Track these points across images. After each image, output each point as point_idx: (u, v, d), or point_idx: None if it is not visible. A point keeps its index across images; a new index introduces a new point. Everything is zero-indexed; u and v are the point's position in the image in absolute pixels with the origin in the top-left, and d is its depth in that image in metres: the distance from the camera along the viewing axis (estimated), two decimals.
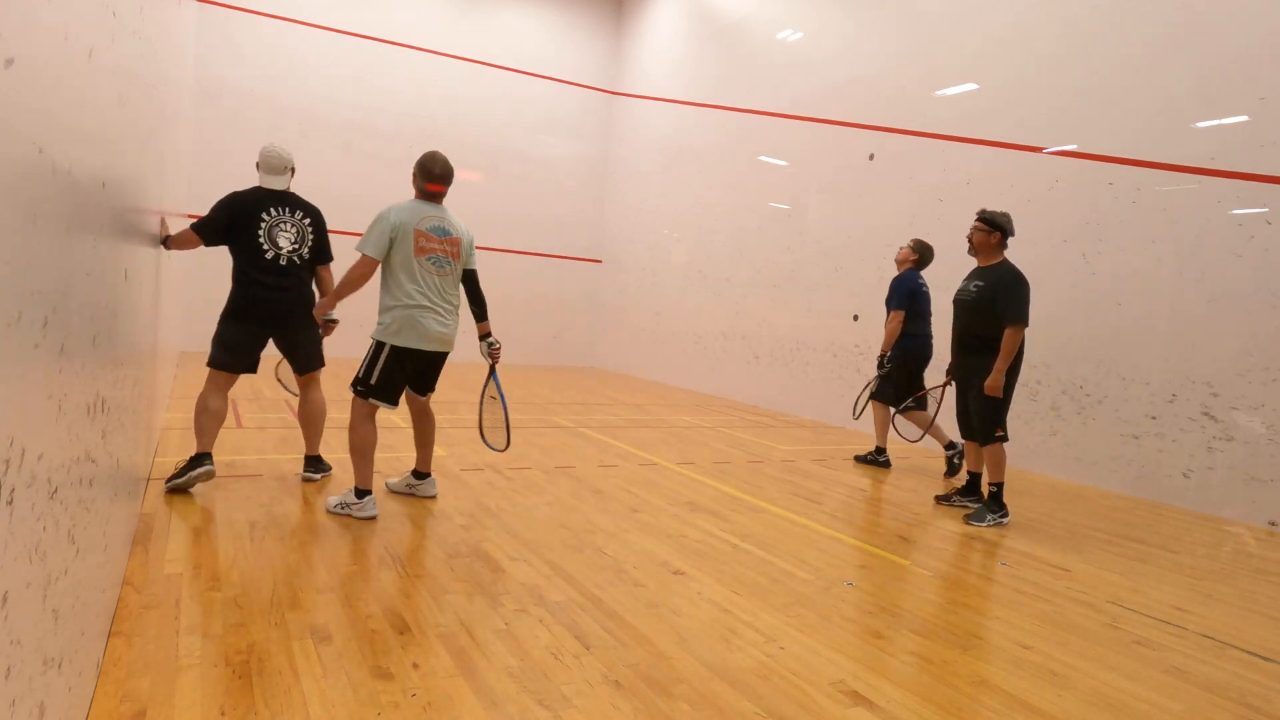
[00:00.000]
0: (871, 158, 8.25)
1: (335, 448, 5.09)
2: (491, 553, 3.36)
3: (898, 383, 6.08)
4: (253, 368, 4.17)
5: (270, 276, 4.08)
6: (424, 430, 4.13)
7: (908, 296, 6.05)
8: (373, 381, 3.74)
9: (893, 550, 3.89)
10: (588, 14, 13.52)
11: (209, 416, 4.00)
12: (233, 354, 4.14)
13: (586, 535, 3.73)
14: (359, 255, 3.68)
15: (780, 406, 9.39)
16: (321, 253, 4.31)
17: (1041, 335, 6.42)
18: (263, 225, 4.07)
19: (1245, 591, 3.66)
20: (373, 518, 3.70)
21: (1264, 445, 5.03)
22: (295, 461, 4.76)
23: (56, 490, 1.37)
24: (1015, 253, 6.68)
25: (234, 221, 4.03)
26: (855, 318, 8.32)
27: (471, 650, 2.40)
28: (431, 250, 3.76)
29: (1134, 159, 5.86)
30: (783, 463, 6.15)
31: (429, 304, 3.75)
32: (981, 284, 4.66)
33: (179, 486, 3.87)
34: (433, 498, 4.15)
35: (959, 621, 3.00)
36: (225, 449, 4.92)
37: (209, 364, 4.14)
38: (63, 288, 1.37)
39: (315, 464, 4.43)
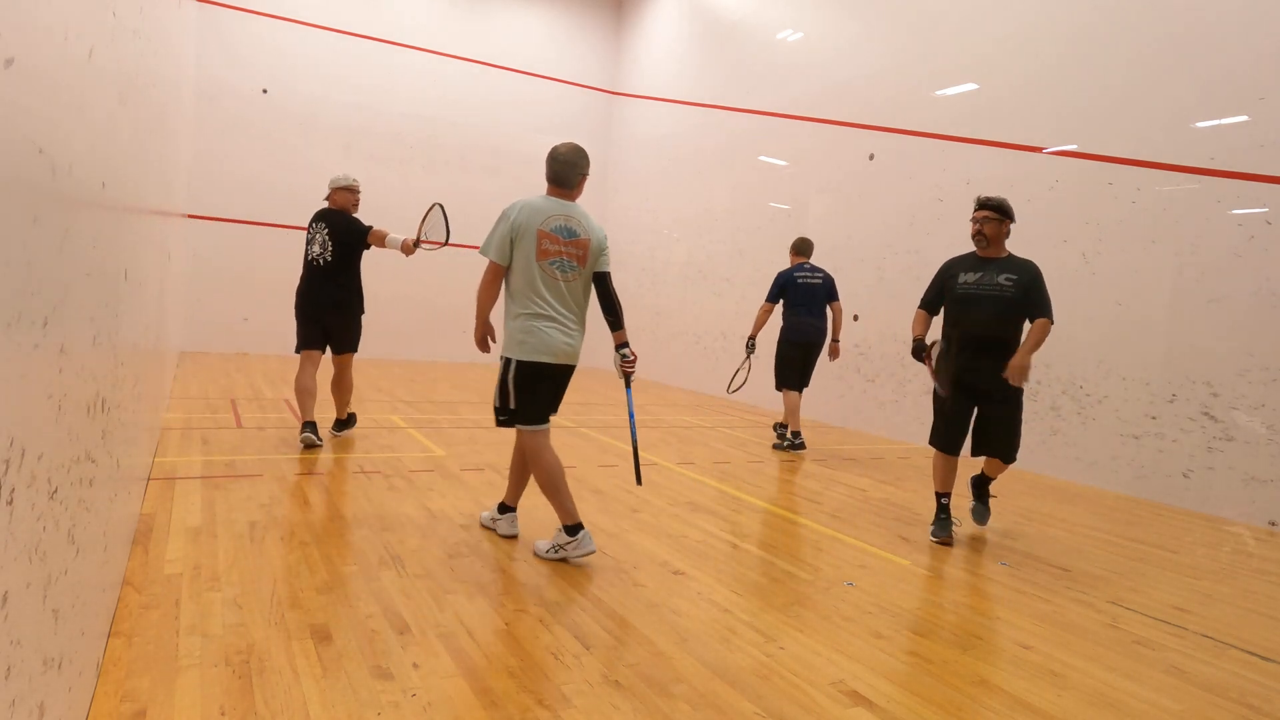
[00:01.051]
0: (871, 158, 8.25)
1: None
2: (491, 553, 3.36)
3: (790, 364, 6.75)
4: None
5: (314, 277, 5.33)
6: (523, 461, 3.57)
7: (776, 289, 6.80)
8: (512, 405, 3.34)
9: (893, 550, 3.89)
10: (588, 15, 13.52)
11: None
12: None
13: None
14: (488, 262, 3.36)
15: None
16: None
17: None
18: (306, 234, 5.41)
19: (1245, 591, 3.66)
20: (591, 552, 3.31)
21: (1264, 445, 5.03)
22: (295, 461, 4.76)
23: (56, 490, 1.37)
24: (1015, 253, 6.69)
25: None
26: (855, 318, 8.32)
27: (471, 650, 2.40)
28: (555, 254, 3.31)
29: (1134, 159, 5.86)
30: (783, 463, 6.15)
31: (551, 314, 3.32)
32: (1014, 277, 4.09)
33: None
34: (513, 537, 3.61)
35: (959, 621, 3.00)
36: (225, 449, 4.92)
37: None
38: (63, 288, 1.37)
39: (342, 424, 5.67)
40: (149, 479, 4.03)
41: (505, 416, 3.38)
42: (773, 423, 7.19)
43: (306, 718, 1.95)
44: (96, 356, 1.82)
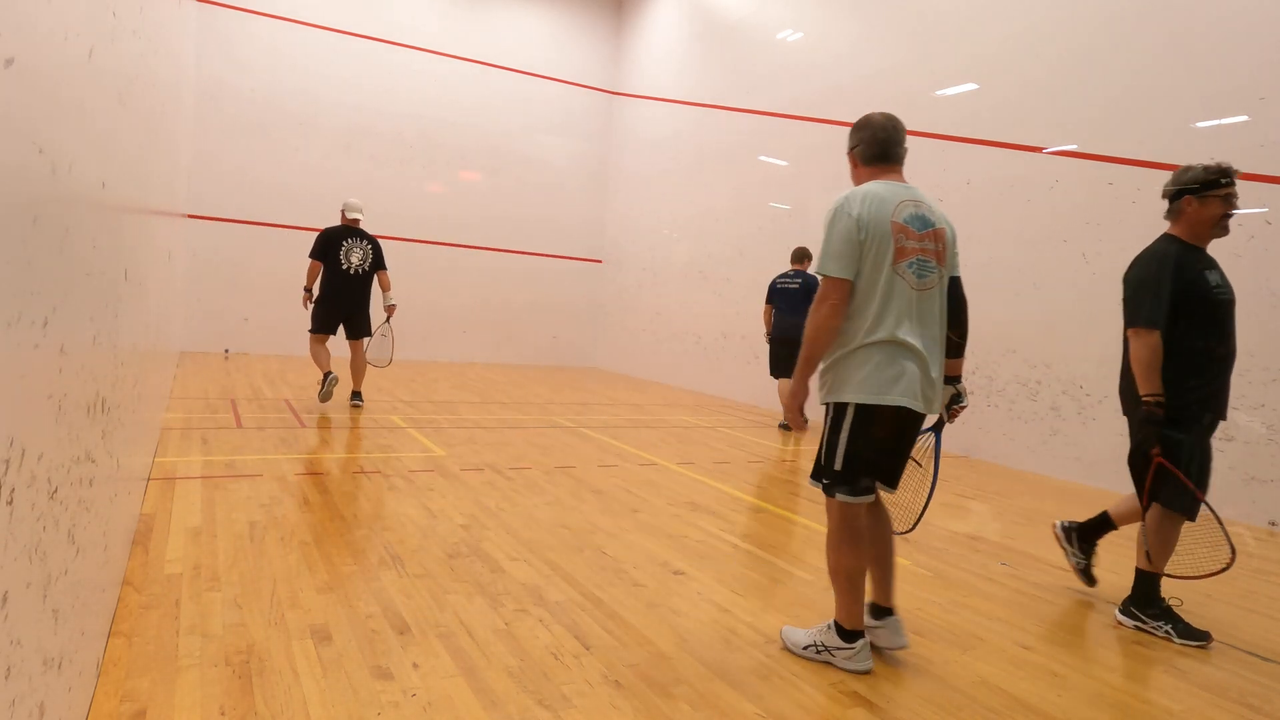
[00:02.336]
0: None
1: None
2: (491, 553, 3.36)
3: (775, 358, 7.84)
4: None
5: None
6: (885, 542, 2.72)
7: (768, 295, 7.94)
8: (838, 466, 2.51)
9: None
10: (588, 14, 13.53)
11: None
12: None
13: (587, 535, 3.73)
14: (819, 280, 2.49)
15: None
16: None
17: (1041, 335, 6.43)
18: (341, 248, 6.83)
19: (1245, 591, 3.66)
20: (866, 671, 2.48)
21: (1264, 445, 5.03)
22: (295, 462, 4.76)
23: (56, 490, 1.37)
24: (1016, 253, 6.73)
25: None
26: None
27: (471, 650, 2.40)
28: (913, 253, 2.48)
29: (1134, 159, 5.86)
30: (782, 463, 6.15)
31: (908, 339, 2.44)
32: (1220, 273, 3.14)
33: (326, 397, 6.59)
34: (903, 647, 2.63)
35: (959, 621, 3.00)
36: (225, 449, 4.92)
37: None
38: (63, 288, 1.37)
39: (357, 396, 7.06)
40: (149, 479, 4.03)
41: (828, 481, 2.55)
42: (778, 422, 8.31)
43: (306, 718, 1.95)
44: (96, 356, 1.82)
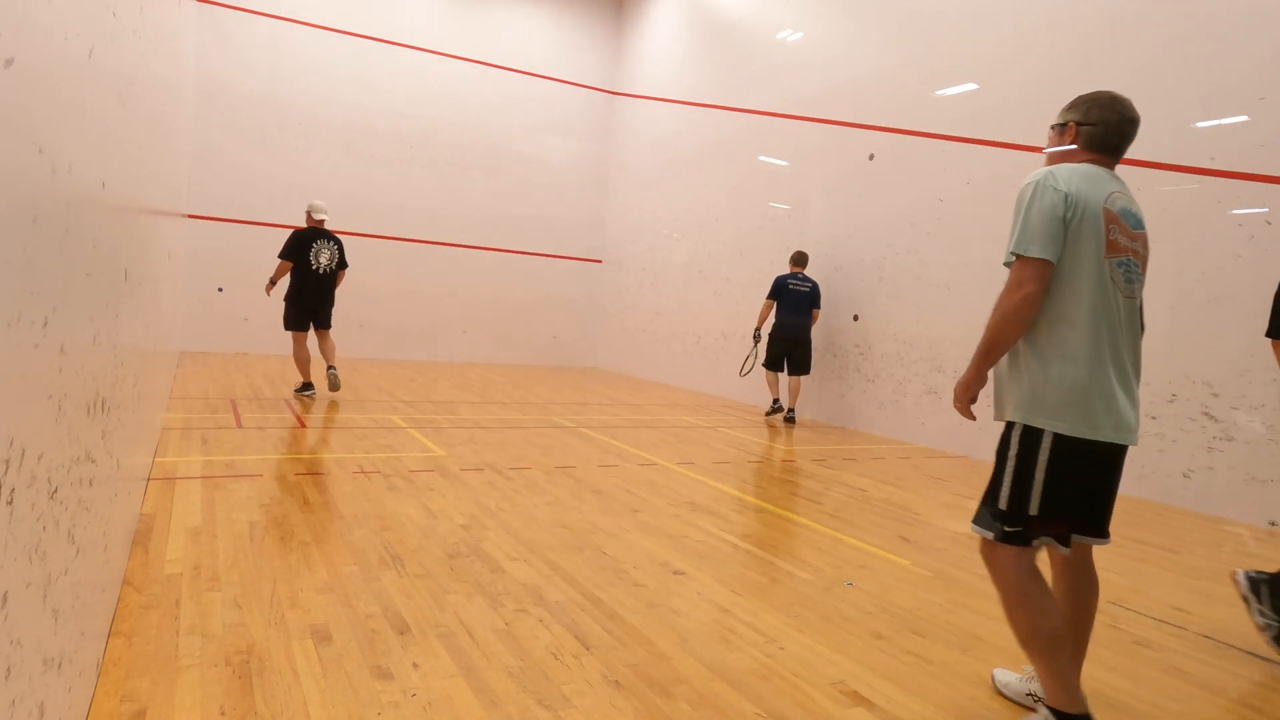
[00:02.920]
0: (872, 158, 8.25)
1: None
2: (491, 553, 3.36)
3: (774, 355, 8.31)
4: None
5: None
6: (1085, 613, 2.24)
7: (774, 289, 8.27)
8: (1033, 510, 2.03)
9: (893, 550, 3.89)
10: (588, 14, 13.53)
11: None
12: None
13: (586, 535, 3.73)
14: (1015, 261, 2.09)
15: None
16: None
17: None
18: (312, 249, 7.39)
19: None
20: None
21: (1264, 445, 5.03)
22: (295, 462, 4.76)
23: (56, 490, 1.37)
24: None
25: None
26: (855, 318, 8.32)
27: (471, 650, 2.40)
28: (1124, 251, 2.10)
29: (1134, 159, 5.85)
30: (783, 463, 6.15)
31: (1110, 355, 2.04)
32: None
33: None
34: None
35: (959, 621, 3.00)
36: (225, 449, 4.92)
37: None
38: (63, 288, 1.37)
39: (333, 368, 7.42)
40: (149, 479, 4.03)
41: (1012, 527, 2.05)
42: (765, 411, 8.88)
43: (306, 718, 1.95)
44: (96, 356, 1.82)
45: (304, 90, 11.35)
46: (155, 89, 3.30)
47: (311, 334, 7.53)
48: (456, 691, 2.14)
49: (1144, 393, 5.70)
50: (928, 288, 7.46)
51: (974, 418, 2.26)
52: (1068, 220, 2.03)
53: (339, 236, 7.66)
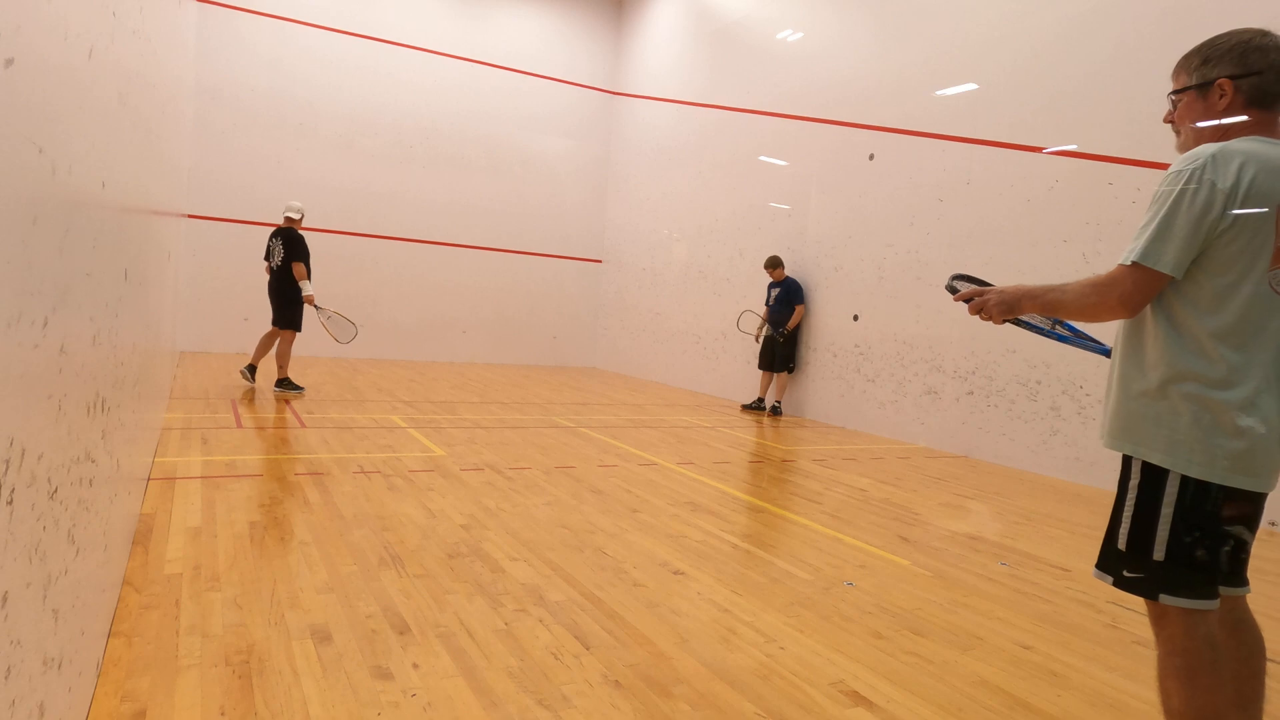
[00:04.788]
0: (871, 158, 8.25)
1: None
2: (491, 553, 3.36)
3: (786, 354, 8.96)
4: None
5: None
6: (1252, 676, 1.84)
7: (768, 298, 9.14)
8: (1160, 554, 1.71)
9: (893, 550, 3.89)
10: (588, 14, 13.53)
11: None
12: None
13: (586, 535, 3.73)
14: (1124, 267, 1.70)
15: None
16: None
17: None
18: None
19: None
20: None
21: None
22: (295, 461, 4.76)
23: (56, 490, 1.37)
24: (1016, 253, 6.73)
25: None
26: (855, 318, 8.32)
27: (471, 650, 2.40)
28: None
29: (1134, 159, 5.86)
30: (783, 463, 6.15)
31: (1269, 384, 1.66)
32: None
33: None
34: None
35: (959, 621, 3.00)
36: (225, 449, 4.92)
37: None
38: (63, 288, 1.37)
39: (251, 371, 7.76)
40: (149, 479, 4.03)
41: (1141, 573, 1.74)
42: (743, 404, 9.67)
43: (306, 718, 1.95)
44: (96, 356, 1.82)
45: (304, 90, 11.35)
46: (155, 89, 3.30)
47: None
48: (456, 691, 2.14)
49: None
50: (928, 288, 7.46)
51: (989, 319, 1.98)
52: (1222, 229, 1.66)
53: (291, 232, 7.69)
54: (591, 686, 2.24)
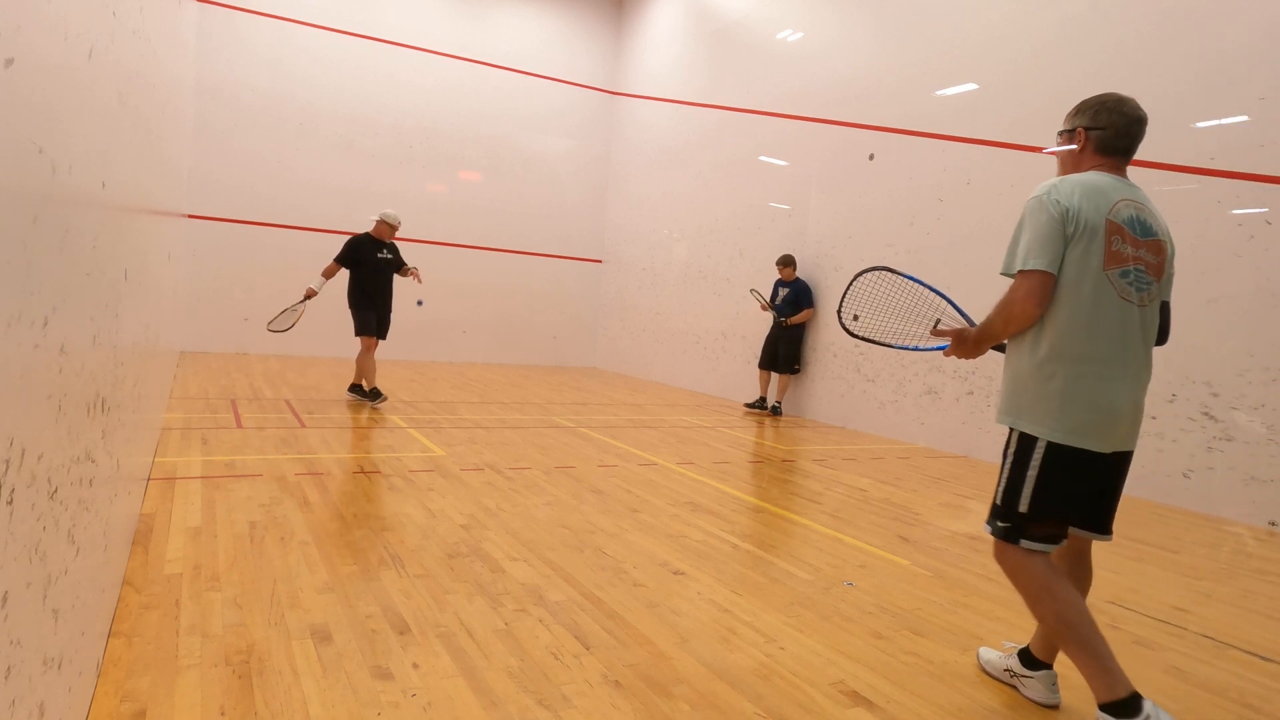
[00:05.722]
0: (871, 158, 8.25)
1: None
2: (491, 553, 3.36)
3: (791, 355, 8.93)
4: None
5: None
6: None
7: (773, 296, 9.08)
8: (1023, 508, 2.17)
9: (893, 550, 3.89)
10: (588, 14, 13.53)
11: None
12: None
13: (586, 535, 3.73)
14: (1017, 274, 2.16)
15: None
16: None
17: None
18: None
19: (1245, 591, 3.66)
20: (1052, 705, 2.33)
21: (1264, 445, 5.03)
22: (295, 461, 4.76)
23: (56, 490, 1.37)
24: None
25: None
26: (855, 317, 8.31)
27: (471, 650, 2.40)
28: (1129, 260, 2.15)
29: (1134, 159, 5.85)
30: (782, 463, 6.15)
31: (1115, 365, 2.13)
32: None
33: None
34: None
35: (959, 621, 3.00)
36: (225, 449, 4.92)
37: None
38: (63, 288, 1.37)
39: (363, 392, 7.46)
40: (149, 479, 4.03)
41: (1007, 524, 2.20)
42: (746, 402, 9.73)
43: (306, 718, 1.95)
44: (96, 356, 1.82)
45: (304, 90, 11.35)
46: (155, 89, 3.30)
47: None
48: (456, 691, 2.14)
49: None
50: None
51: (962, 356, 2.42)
52: (1069, 236, 2.11)
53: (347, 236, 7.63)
54: (591, 686, 2.24)
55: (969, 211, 7.12)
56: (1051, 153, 2.39)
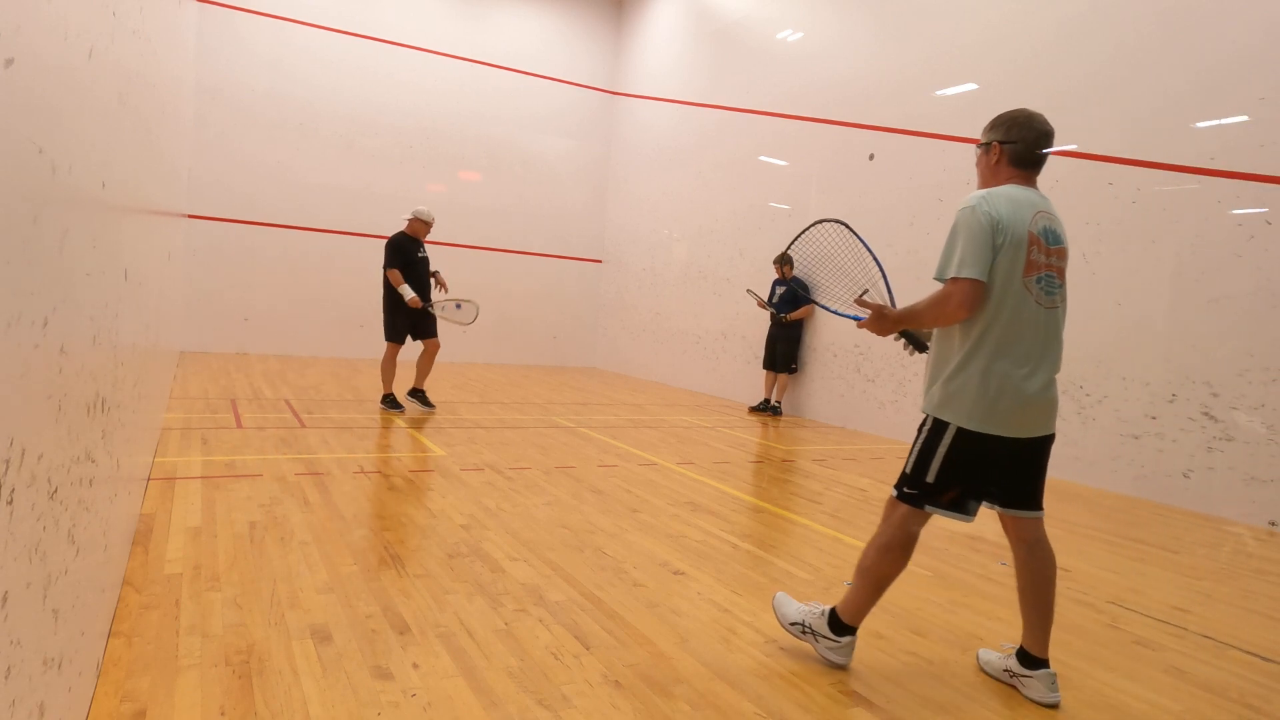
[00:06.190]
0: (872, 158, 8.25)
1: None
2: (491, 553, 3.36)
3: (788, 354, 8.98)
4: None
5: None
6: (1040, 585, 2.47)
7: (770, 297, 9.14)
8: (930, 479, 2.39)
9: None
10: (588, 14, 13.52)
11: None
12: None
13: (586, 535, 3.73)
14: (946, 282, 2.36)
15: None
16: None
17: None
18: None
19: (1245, 591, 3.66)
20: (842, 666, 2.50)
21: (1264, 445, 5.03)
22: (295, 461, 4.76)
23: (56, 490, 1.37)
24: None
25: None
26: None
27: (471, 650, 2.40)
28: (1042, 268, 2.37)
29: (1134, 159, 5.86)
30: (783, 463, 6.15)
31: (1028, 361, 2.35)
32: None
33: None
34: (1055, 705, 2.37)
35: (959, 621, 3.00)
36: (225, 449, 4.92)
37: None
38: (63, 288, 1.37)
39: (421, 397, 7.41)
40: (149, 479, 4.03)
41: (916, 490, 2.42)
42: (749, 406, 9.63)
43: (306, 718, 1.95)
44: (96, 356, 1.82)
45: (304, 90, 11.34)
46: (155, 89, 3.30)
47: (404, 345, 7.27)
48: (456, 691, 2.14)
49: (1144, 392, 5.70)
50: (927, 288, 7.44)
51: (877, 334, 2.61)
52: (998, 246, 2.30)
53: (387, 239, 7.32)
54: (591, 686, 2.24)
55: None
56: (976, 165, 2.64)
